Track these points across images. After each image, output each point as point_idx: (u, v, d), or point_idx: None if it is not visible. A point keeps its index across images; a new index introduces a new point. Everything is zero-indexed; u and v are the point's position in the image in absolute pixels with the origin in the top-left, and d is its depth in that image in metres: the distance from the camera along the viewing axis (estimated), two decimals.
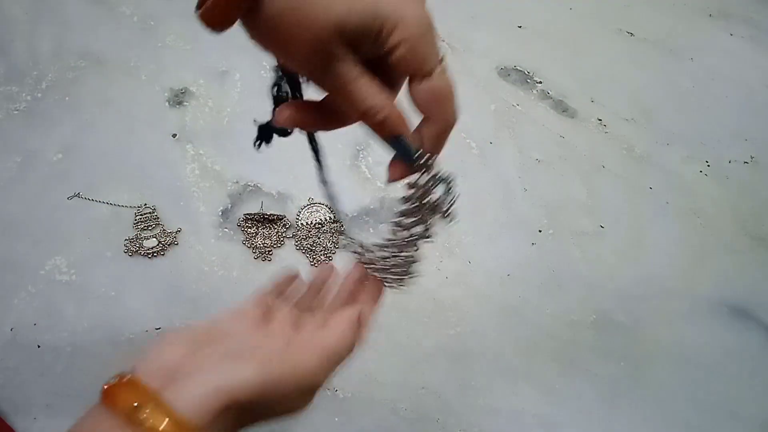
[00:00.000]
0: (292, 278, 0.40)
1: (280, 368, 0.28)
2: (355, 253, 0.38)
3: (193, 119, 0.80)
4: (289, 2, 0.26)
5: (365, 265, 0.38)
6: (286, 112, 0.33)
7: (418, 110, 0.30)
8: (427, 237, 0.35)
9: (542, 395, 0.62)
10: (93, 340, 0.60)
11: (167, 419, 0.24)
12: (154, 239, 0.67)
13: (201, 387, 0.25)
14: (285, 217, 0.71)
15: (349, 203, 0.74)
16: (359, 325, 0.33)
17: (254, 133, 0.35)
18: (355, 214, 0.73)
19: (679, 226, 0.78)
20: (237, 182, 0.74)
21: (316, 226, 0.71)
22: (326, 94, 0.31)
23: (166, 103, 0.82)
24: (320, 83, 0.30)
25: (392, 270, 0.37)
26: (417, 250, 0.35)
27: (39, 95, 0.80)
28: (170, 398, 0.25)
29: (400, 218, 0.34)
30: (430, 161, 0.31)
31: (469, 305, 0.68)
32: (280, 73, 0.33)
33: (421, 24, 0.27)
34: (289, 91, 0.34)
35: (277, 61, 0.32)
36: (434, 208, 0.34)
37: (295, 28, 0.26)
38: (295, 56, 0.28)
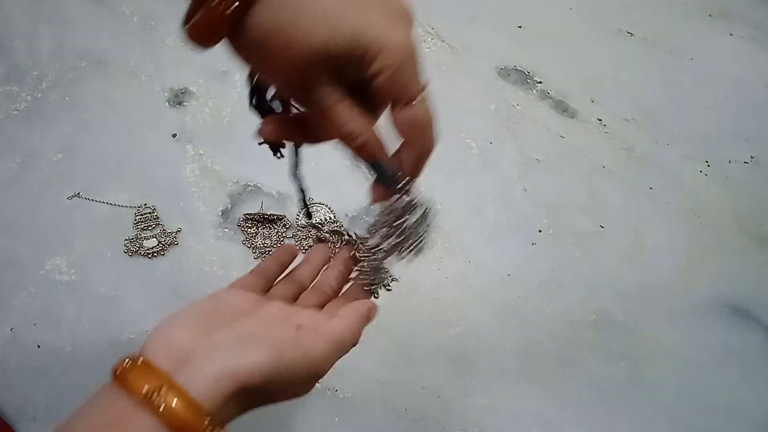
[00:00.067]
0: (293, 254, 0.42)
1: (291, 355, 0.28)
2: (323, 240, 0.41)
3: (193, 119, 0.80)
4: (273, 24, 0.26)
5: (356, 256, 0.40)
6: (269, 126, 0.33)
7: (398, 135, 0.30)
8: (398, 254, 0.36)
9: (542, 395, 0.62)
10: (93, 340, 0.60)
11: (181, 402, 0.24)
12: (154, 239, 0.68)
13: (214, 371, 0.25)
14: (285, 217, 0.71)
15: (349, 203, 0.74)
16: (368, 319, 0.34)
17: (254, 133, 0.35)
18: (354, 214, 0.73)
19: (679, 226, 0.78)
20: (237, 182, 0.74)
21: (316, 226, 0.71)
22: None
23: (166, 103, 0.82)
24: (302, 104, 0.31)
25: (363, 273, 0.38)
26: (382, 261, 0.36)
27: (39, 95, 0.80)
28: (183, 381, 0.25)
29: (371, 229, 0.36)
30: (408, 185, 0.32)
31: (469, 305, 0.68)
32: (252, 83, 0.34)
33: (405, 51, 0.27)
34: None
35: (249, 71, 0.33)
36: (406, 234, 0.34)
37: (278, 50, 0.26)
38: (278, 77, 0.29)
